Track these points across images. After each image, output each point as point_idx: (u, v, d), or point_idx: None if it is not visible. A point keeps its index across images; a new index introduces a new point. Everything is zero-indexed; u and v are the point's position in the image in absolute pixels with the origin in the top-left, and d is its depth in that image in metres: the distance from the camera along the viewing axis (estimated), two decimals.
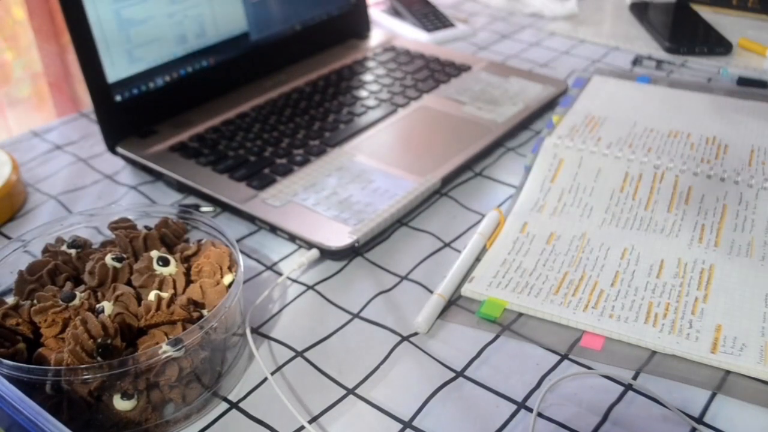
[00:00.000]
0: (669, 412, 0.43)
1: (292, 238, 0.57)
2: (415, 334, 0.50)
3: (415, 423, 0.43)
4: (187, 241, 0.51)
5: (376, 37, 0.92)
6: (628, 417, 0.43)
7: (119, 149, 0.68)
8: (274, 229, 0.58)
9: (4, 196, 0.62)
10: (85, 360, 0.40)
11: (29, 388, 0.39)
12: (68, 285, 0.47)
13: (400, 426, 0.43)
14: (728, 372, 0.46)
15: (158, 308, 0.43)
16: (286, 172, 0.64)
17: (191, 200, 0.64)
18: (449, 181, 0.65)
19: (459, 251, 0.57)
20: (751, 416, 0.43)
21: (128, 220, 0.51)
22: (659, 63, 0.88)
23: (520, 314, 0.51)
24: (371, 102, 0.76)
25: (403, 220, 0.61)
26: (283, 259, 0.57)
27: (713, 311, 0.49)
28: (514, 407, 0.44)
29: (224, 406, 0.45)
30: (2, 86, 1.12)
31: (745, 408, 0.43)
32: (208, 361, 0.43)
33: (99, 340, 0.40)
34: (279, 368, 0.47)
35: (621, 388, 0.45)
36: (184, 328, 0.42)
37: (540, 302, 0.51)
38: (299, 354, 0.48)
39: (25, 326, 0.43)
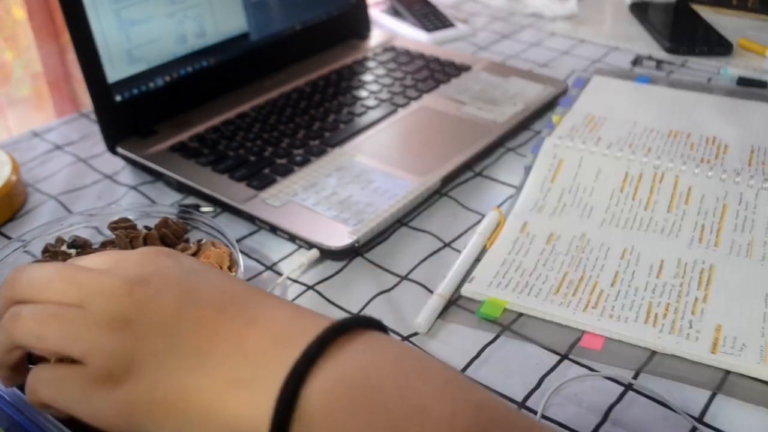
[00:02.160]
0: (669, 412, 0.43)
1: (292, 238, 0.57)
2: (415, 334, 0.50)
3: None
4: (187, 241, 0.51)
5: (376, 37, 0.92)
6: (628, 417, 0.43)
7: (119, 149, 0.68)
8: (274, 229, 0.58)
9: (4, 196, 0.62)
10: None
11: None
12: None
13: None
14: (728, 372, 0.46)
15: None
16: (286, 172, 0.64)
17: (191, 200, 0.64)
18: (449, 181, 0.65)
19: (459, 251, 0.57)
20: (751, 416, 0.43)
21: (128, 220, 0.51)
22: (659, 63, 0.88)
23: (520, 314, 0.51)
24: (371, 102, 0.76)
25: (403, 220, 0.61)
26: (283, 259, 0.57)
27: (713, 311, 0.49)
28: (514, 407, 0.44)
29: None
30: (2, 86, 1.12)
31: (745, 408, 0.43)
32: None
33: None
34: None
35: (621, 389, 0.45)
36: None
37: (540, 302, 0.51)
38: None
39: None
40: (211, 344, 0.30)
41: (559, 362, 0.47)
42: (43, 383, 0.32)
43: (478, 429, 0.26)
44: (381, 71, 0.83)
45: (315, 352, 0.27)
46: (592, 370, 0.46)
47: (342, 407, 0.26)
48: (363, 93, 0.78)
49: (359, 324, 0.30)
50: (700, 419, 0.43)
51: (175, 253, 0.35)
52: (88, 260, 0.35)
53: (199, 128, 0.71)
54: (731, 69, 0.85)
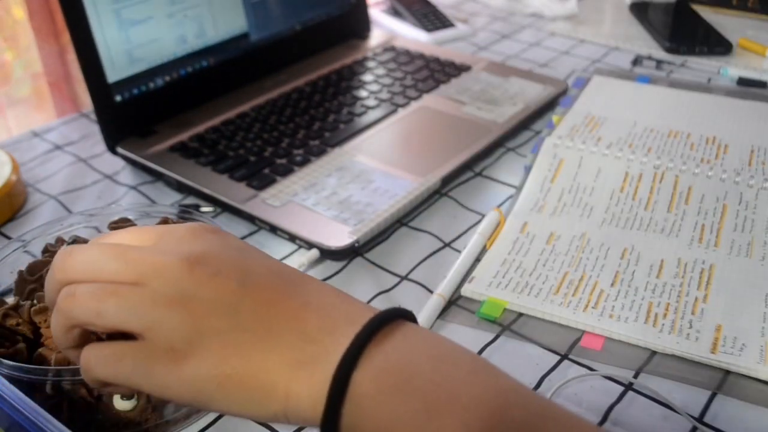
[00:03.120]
0: (669, 412, 0.43)
1: (292, 238, 0.57)
2: None
3: None
4: None
5: (376, 37, 0.92)
6: (628, 417, 0.43)
7: (119, 149, 0.68)
8: (274, 229, 0.58)
9: (4, 196, 0.62)
10: None
11: (29, 388, 0.39)
12: None
13: None
14: (728, 372, 0.46)
15: None
16: (286, 172, 0.64)
17: (191, 200, 0.64)
18: (449, 181, 0.65)
19: (459, 251, 0.57)
20: (751, 416, 0.43)
21: (128, 220, 0.51)
22: (659, 63, 0.88)
23: (520, 314, 0.51)
24: (371, 102, 0.76)
25: (403, 220, 0.61)
26: (283, 259, 0.57)
27: (713, 311, 0.49)
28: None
29: None
30: (2, 86, 1.12)
31: (745, 408, 0.43)
32: None
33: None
34: None
35: (621, 388, 0.45)
36: None
37: (540, 302, 0.51)
38: None
39: (25, 326, 0.43)
40: (272, 324, 0.31)
41: (559, 362, 0.47)
42: (99, 361, 0.32)
43: (501, 411, 0.29)
44: (381, 71, 0.83)
45: (363, 341, 0.30)
46: (592, 370, 0.46)
47: (386, 392, 0.29)
48: (363, 93, 0.78)
49: (396, 315, 0.32)
50: (700, 419, 0.43)
51: (218, 230, 0.35)
52: (129, 236, 0.35)
53: (199, 128, 0.71)
54: (731, 69, 0.85)
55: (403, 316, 0.33)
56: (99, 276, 0.32)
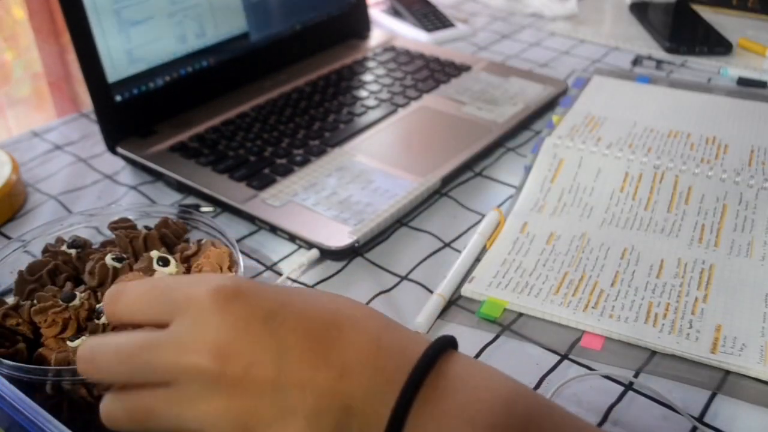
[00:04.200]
0: (669, 411, 0.43)
1: (292, 238, 0.57)
2: None
3: None
4: (187, 241, 0.51)
5: (376, 37, 0.92)
6: (628, 417, 0.43)
7: (119, 149, 0.68)
8: (274, 229, 0.58)
9: (4, 196, 0.62)
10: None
11: (29, 388, 0.39)
12: (68, 285, 0.47)
13: None
14: (728, 372, 0.46)
15: None
16: (286, 172, 0.64)
17: (191, 200, 0.64)
18: (449, 181, 0.65)
19: (459, 251, 0.57)
20: (751, 416, 0.43)
21: (128, 220, 0.51)
22: (659, 63, 0.88)
23: (520, 314, 0.51)
24: (371, 102, 0.76)
25: (403, 220, 0.61)
26: (283, 259, 0.57)
27: (713, 311, 0.49)
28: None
29: None
30: (2, 86, 1.12)
31: (745, 408, 0.43)
32: None
33: None
34: None
35: (621, 388, 0.45)
36: None
37: (540, 302, 0.51)
38: None
39: (25, 326, 0.43)
40: (317, 405, 0.31)
41: (559, 362, 0.47)
42: None
43: None
44: (381, 71, 0.83)
45: (401, 415, 0.31)
46: (592, 370, 0.46)
47: None
48: (363, 93, 0.78)
49: (436, 357, 0.32)
50: (700, 419, 0.43)
51: (240, 292, 0.32)
52: (137, 302, 0.34)
53: (199, 128, 0.71)
54: (731, 69, 0.85)
55: (443, 349, 0.33)
56: (128, 381, 0.33)
